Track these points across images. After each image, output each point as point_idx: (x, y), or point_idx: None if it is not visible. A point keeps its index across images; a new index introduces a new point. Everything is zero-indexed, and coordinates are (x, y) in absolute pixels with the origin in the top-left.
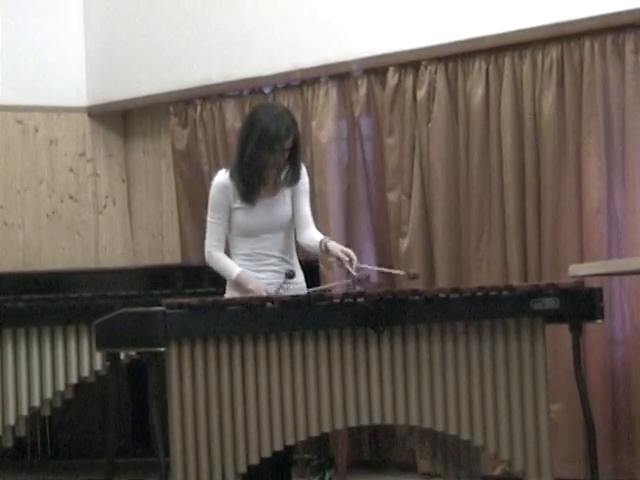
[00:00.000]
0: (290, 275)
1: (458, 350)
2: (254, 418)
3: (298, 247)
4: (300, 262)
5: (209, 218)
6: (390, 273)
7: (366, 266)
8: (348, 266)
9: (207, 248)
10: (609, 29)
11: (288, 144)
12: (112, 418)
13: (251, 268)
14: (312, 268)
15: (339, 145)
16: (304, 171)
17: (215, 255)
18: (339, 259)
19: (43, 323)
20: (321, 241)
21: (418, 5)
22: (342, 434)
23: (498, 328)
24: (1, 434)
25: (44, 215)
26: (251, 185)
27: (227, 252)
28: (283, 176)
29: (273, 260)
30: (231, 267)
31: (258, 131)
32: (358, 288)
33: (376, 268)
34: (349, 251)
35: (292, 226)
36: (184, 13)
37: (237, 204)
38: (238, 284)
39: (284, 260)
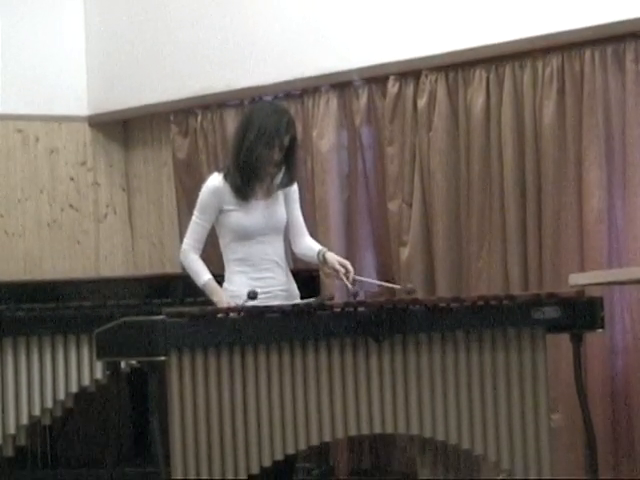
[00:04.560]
0: (252, 296)
1: (459, 359)
2: (255, 427)
3: (295, 256)
4: (298, 271)
5: (194, 218)
6: (387, 286)
7: (362, 278)
8: (344, 278)
9: (184, 245)
10: (610, 39)
11: (286, 141)
12: (112, 427)
13: (249, 274)
14: (313, 278)
15: (339, 154)
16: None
17: (190, 255)
18: (336, 270)
19: (43, 332)
20: (319, 251)
21: (418, 14)
22: (342, 443)
23: (499, 337)
24: (1, 443)
25: (45, 224)
26: (247, 180)
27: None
28: (279, 179)
29: (270, 265)
30: (202, 272)
31: (257, 126)
32: (358, 297)
33: (372, 281)
34: (346, 263)
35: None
36: (185, 23)
37: (231, 206)
38: (204, 290)
39: (279, 266)
